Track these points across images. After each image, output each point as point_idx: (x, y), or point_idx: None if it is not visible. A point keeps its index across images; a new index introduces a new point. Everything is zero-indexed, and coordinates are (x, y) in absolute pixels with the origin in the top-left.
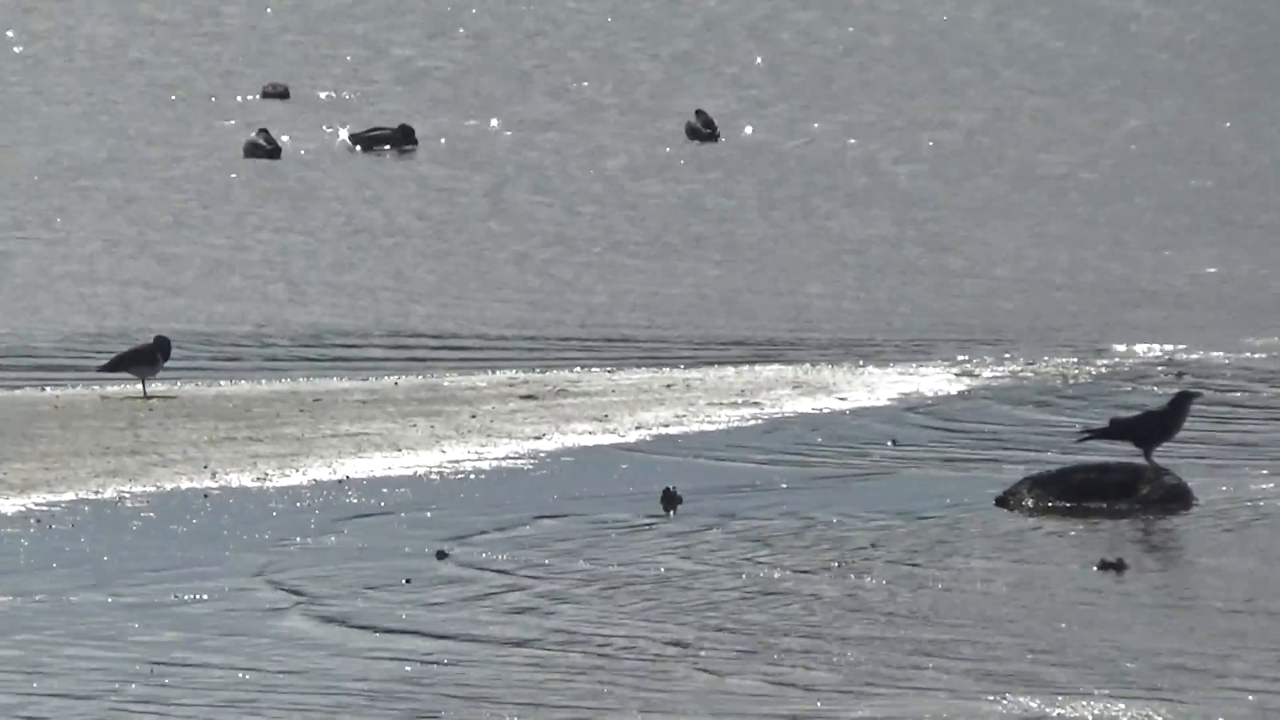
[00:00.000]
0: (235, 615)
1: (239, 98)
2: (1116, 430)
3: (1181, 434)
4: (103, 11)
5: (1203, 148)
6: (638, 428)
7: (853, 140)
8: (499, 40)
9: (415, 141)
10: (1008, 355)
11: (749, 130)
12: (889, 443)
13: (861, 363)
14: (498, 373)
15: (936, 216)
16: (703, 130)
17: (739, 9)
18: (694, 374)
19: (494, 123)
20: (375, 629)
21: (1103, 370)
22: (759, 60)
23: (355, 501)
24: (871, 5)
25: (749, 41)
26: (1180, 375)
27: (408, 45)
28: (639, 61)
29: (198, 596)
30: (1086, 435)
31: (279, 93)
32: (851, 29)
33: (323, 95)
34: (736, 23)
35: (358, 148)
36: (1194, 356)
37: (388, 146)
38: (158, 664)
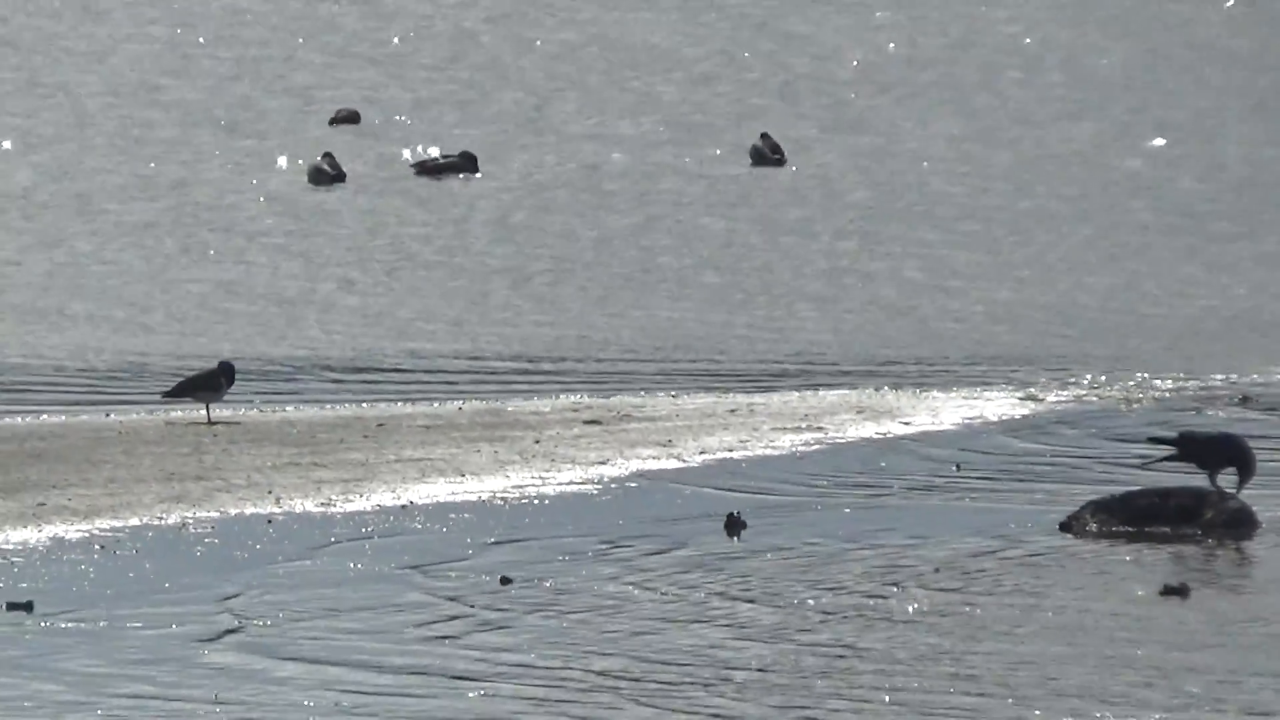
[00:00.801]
0: (298, 641)
1: (311, 119)
2: (1184, 444)
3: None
4: (174, 33)
5: (1231, 173)
6: (701, 453)
7: (897, 162)
8: (539, 62)
9: (477, 168)
10: (1071, 380)
11: (812, 155)
12: (953, 467)
13: (925, 387)
14: (562, 398)
15: (994, 241)
16: (769, 155)
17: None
18: (757, 399)
19: (550, 148)
20: (434, 658)
21: (1166, 395)
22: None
23: (419, 526)
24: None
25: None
26: (1245, 401)
27: (468, 70)
28: (674, 85)
29: (261, 621)
30: (1158, 457)
31: (349, 118)
32: (816, 61)
33: (378, 120)
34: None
35: (421, 174)
36: (1258, 381)
37: (451, 173)
38: (219, 701)
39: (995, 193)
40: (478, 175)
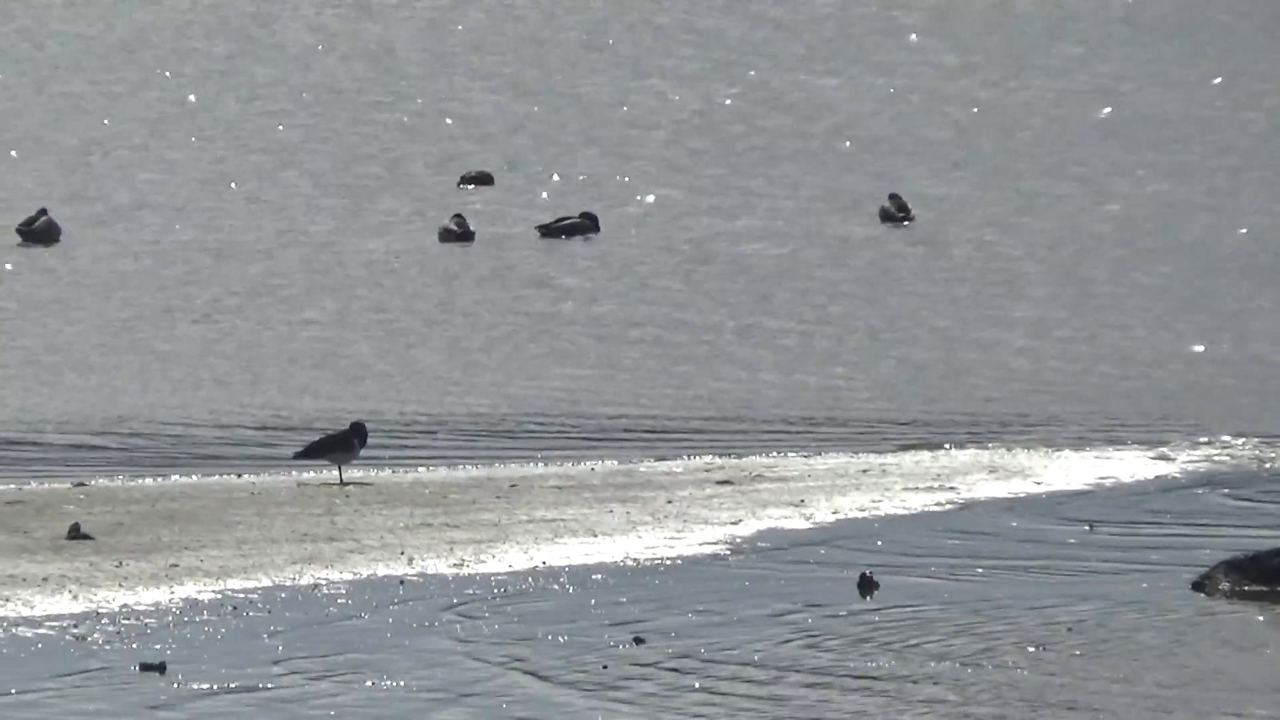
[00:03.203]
0: (434, 700)
1: (444, 178)
2: None
3: None
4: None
5: None
6: (834, 513)
7: (1021, 217)
8: (665, 123)
9: (599, 228)
10: (1203, 440)
11: (936, 212)
12: (1085, 527)
13: (1057, 446)
14: (694, 458)
15: (1125, 299)
16: (896, 214)
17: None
18: (889, 458)
19: (674, 204)
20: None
21: None
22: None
23: (552, 587)
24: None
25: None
26: None
27: (595, 129)
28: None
29: (384, 682)
30: None
31: (479, 178)
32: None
33: (508, 179)
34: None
35: (546, 235)
36: None
37: (574, 234)
38: None
39: (1126, 250)
40: (599, 235)
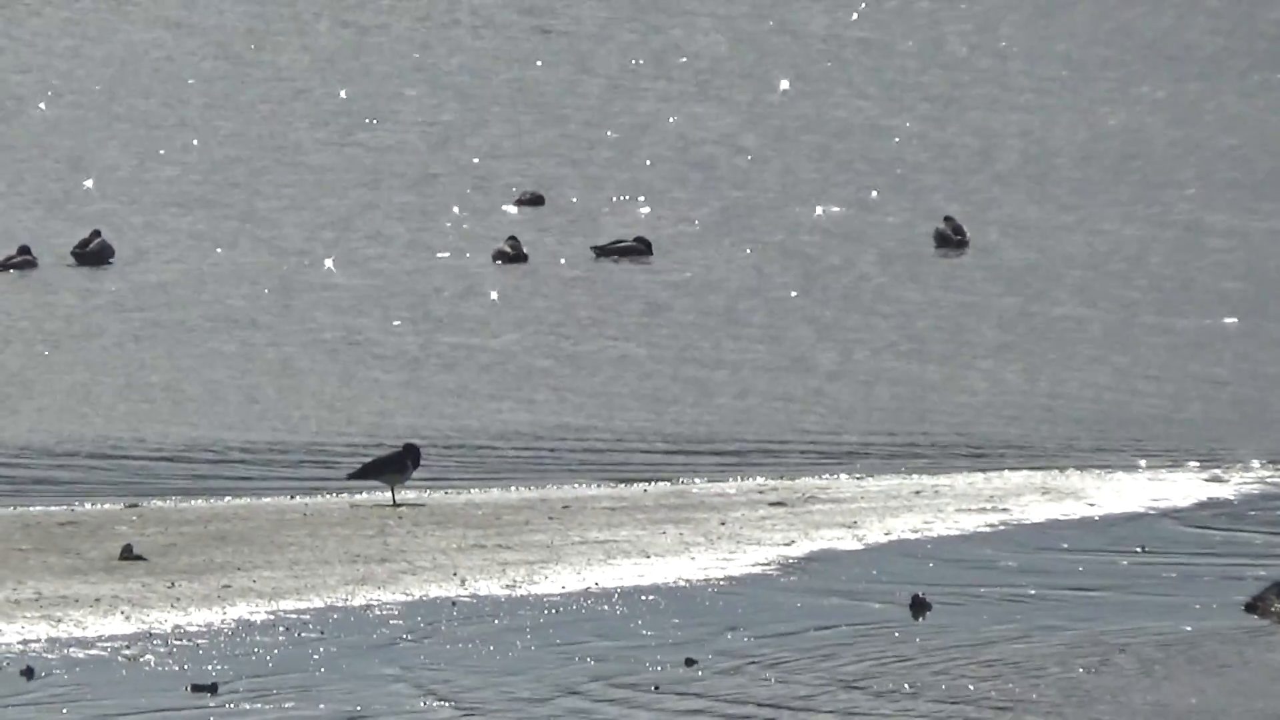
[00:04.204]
0: None
1: (498, 200)
2: None
3: None
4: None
5: None
6: (886, 534)
7: (1079, 243)
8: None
9: (652, 252)
10: (1256, 462)
11: (997, 237)
12: (1138, 549)
13: (1110, 468)
14: (747, 479)
15: (1174, 320)
16: (953, 238)
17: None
18: (942, 479)
19: (728, 227)
20: None
21: None
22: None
23: (604, 609)
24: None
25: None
26: None
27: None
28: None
29: (429, 704)
30: None
31: (532, 200)
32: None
33: (562, 200)
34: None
35: (600, 257)
36: None
37: (626, 257)
38: None
39: (1177, 270)
40: (651, 259)
